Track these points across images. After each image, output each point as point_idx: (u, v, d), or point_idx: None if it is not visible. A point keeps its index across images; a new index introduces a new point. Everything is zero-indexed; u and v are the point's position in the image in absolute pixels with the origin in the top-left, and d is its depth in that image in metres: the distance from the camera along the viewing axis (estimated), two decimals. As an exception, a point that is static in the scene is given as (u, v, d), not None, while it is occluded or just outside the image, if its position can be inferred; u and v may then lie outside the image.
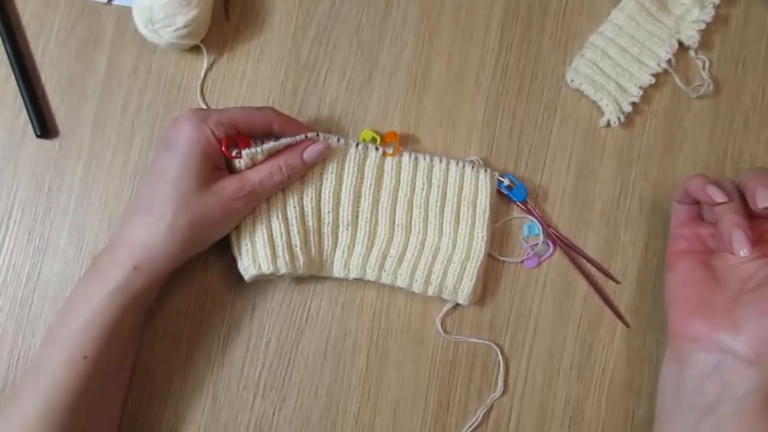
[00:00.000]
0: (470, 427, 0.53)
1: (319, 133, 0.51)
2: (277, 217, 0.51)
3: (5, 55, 0.55)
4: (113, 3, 0.56)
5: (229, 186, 0.48)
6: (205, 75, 0.56)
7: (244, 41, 0.56)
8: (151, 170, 0.48)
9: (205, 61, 0.55)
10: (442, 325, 0.54)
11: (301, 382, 0.53)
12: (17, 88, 0.54)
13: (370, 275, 0.52)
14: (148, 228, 0.46)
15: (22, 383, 0.46)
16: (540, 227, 0.54)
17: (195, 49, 0.55)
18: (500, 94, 0.56)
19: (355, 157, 0.52)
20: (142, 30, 0.53)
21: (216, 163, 0.48)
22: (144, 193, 0.48)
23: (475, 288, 0.52)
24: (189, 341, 0.53)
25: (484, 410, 0.53)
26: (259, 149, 0.49)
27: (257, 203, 0.50)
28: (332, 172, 0.52)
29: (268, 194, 0.50)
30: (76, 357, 0.44)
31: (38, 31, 0.56)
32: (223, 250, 0.52)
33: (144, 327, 0.52)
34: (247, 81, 0.56)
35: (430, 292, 0.52)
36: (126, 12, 0.55)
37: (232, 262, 0.52)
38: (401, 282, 0.52)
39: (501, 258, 0.54)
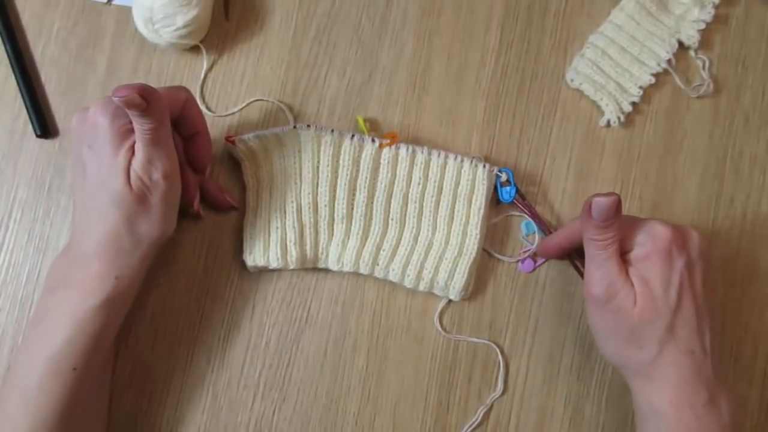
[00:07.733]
0: (470, 427, 0.53)
1: (311, 124, 0.52)
2: (276, 212, 0.52)
3: (5, 55, 0.55)
4: (113, 3, 0.56)
5: (135, 164, 0.44)
6: (205, 75, 0.56)
7: (244, 41, 0.56)
8: (85, 176, 0.45)
9: (205, 61, 0.55)
10: (441, 324, 0.54)
11: (301, 382, 0.53)
12: (17, 88, 0.54)
13: (363, 269, 0.52)
14: (116, 238, 0.45)
15: (7, 397, 0.45)
16: (537, 227, 0.54)
17: (195, 49, 0.55)
18: (500, 94, 0.56)
19: (350, 150, 0.52)
20: (142, 30, 0.53)
21: (129, 142, 0.44)
22: (89, 202, 0.46)
23: (466, 284, 0.52)
24: (189, 341, 0.53)
25: (484, 410, 0.53)
26: (249, 136, 0.51)
27: (177, 180, 0.47)
28: (327, 166, 0.52)
29: (166, 149, 0.45)
30: (65, 369, 0.44)
31: (38, 31, 0.56)
32: (223, 249, 0.52)
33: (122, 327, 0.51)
34: (247, 81, 0.56)
35: (422, 287, 0.52)
36: (126, 12, 0.55)
37: (232, 261, 0.52)
38: (393, 276, 0.52)
39: (498, 256, 0.54)
